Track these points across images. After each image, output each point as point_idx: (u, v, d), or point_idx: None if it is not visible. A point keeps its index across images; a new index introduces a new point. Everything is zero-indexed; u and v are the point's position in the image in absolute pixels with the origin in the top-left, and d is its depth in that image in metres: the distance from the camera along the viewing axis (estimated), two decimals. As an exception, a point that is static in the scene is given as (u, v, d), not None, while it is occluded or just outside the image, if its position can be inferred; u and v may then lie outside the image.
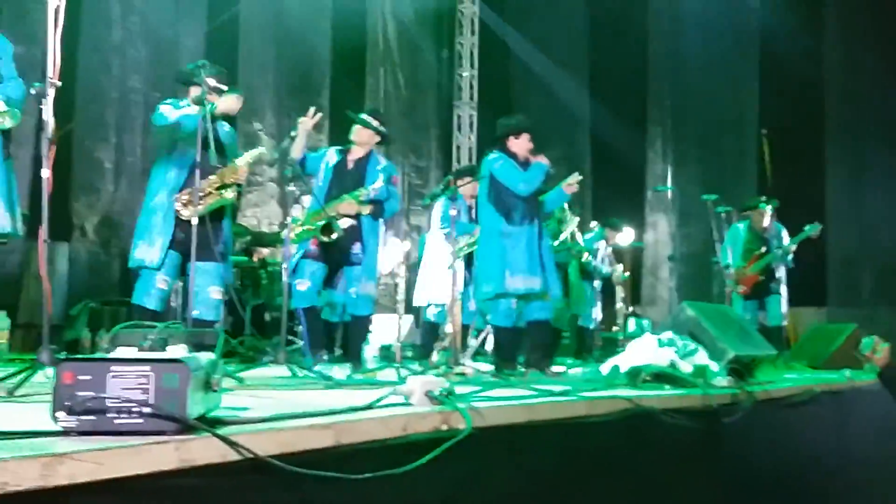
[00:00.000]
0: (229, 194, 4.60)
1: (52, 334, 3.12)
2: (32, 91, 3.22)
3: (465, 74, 12.58)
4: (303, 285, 4.93)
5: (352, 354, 4.92)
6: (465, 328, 5.52)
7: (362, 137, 5.16)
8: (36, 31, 3.43)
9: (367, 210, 4.97)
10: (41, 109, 3.09)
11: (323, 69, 10.23)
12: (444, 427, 2.39)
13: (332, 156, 5.19)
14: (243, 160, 4.71)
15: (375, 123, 5.16)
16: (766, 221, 7.50)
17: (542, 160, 5.28)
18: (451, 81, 12.57)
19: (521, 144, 5.34)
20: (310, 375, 3.96)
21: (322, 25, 10.27)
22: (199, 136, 4.05)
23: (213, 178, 4.54)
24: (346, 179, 5.06)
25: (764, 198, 7.65)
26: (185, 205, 4.45)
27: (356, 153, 5.18)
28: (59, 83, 3.10)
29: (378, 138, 5.21)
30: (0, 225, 3.31)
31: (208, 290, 4.52)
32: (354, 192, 4.95)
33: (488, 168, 5.30)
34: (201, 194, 4.36)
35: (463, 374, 4.35)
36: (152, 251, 4.32)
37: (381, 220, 5.13)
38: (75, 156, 7.78)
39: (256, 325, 6.95)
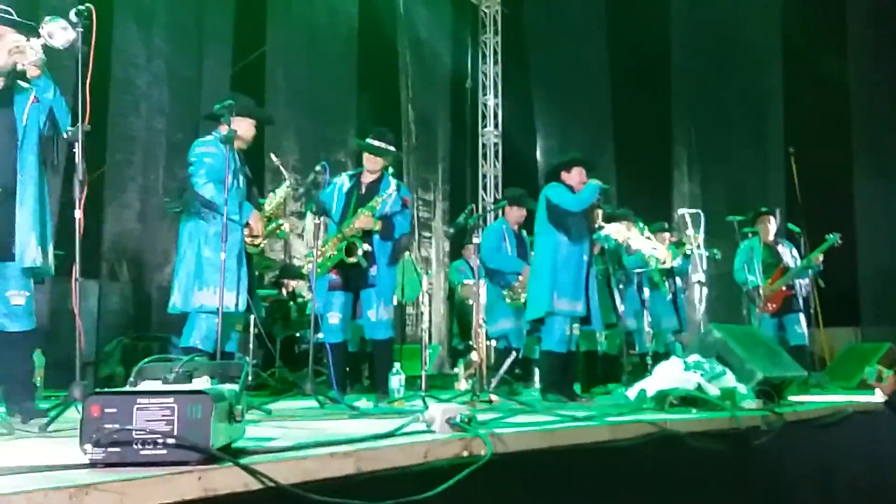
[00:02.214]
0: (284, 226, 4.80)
1: (87, 370, 3.19)
2: (65, 136, 3.33)
3: (489, 103, 12.69)
4: (334, 318, 4.96)
5: (378, 383, 4.94)
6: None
7: (371, 161, 5.24)
8: (67, 78, 3.53)
9: (378, 226, 5.02)
10: (73, 153, 3.19)
11: (350, 103, 10.41)
12: (465, 453, 2.41)
13: (344, 181, 5.26)
14: (272, 203, 4.77)
15: (379, 145, 5.21)
16: (773, 231, 7.36)
17: (594, 180, 5.44)
18: (476, 110, 12.68)
19: (573, 177, 5.53)
20: (336, 406, 4.01)
21: (349, 63, 10.46)
22: (228, 174, 4.11)
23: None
24: (360, 203, 5.13)
25: (764, 208, 7.56)
26: (258, 237, 4.56)
27: (368, 177, 5.24)
28: (90, 128, 3.20)
29: (386, 161, 5.26)
30: (31, 258, 3.36)
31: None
32: (369, 203, 5.02)
33: (543, 196, 5.47)
34: (256, 234, 4.51)
35: (489, 402, 4.36)
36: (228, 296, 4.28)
37: (391, 243, 5.10)
38: (106, 196, 7.96)
39: (286, 357, 7.01)
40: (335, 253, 4.93)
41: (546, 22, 12.34)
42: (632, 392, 4.17)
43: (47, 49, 3.31)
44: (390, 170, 5.33)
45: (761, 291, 7.17)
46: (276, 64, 9.60)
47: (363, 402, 4.51)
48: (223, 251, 4.04)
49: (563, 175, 5.57)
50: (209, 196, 4.39)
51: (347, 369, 6.95)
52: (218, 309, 4.01)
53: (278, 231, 4.76)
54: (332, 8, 10.28)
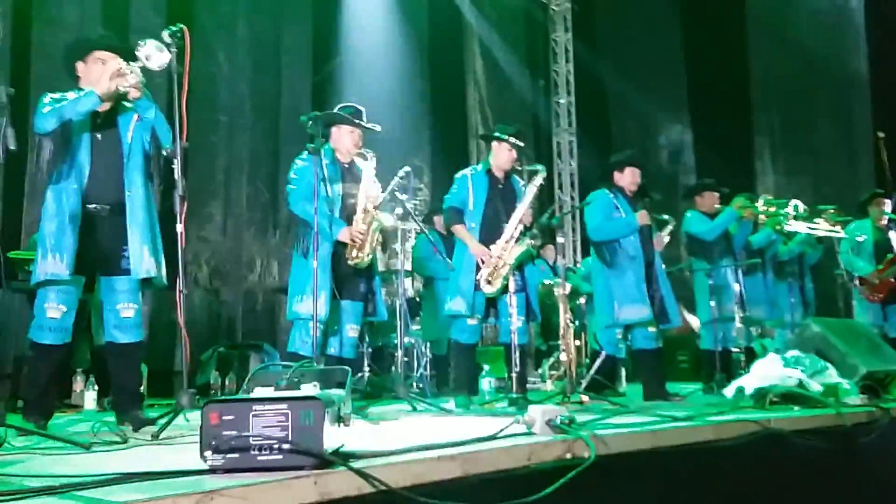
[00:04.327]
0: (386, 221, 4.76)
1: (183, 379, 3.29)
2: (164, 153, 3.47)
3: (562, 101, 12.60)
4: (473, 320, 4.89)
5: (467, 385, 4.93)
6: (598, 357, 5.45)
7: (502, 155, 5.10)
8: (159, 96, 3.66)
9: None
10: (172, 169, 3.31)
11: (422, 107, 10.48)
12: (568, 455, 2.39)
13: (478, 178, 5.12)
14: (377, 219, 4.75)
15: (517, 143, 5.11)
16: (887, 214, 6.95)
17: (642, 217, 5.38)
18: (549, 110, 12.61)
19: (626, 178, 5.53)
20: (430, 408, 4.04)
21: (420, 67, 10.53)
22: (316, 184, 4.17)
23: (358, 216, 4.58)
24: (503, 197, 5.04)
25: (879, 189, 7.20)
26: (359, 250, 4.51)
27: (499, 172, 5.14)
28: (188, 144, 3.32)
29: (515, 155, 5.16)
30: (146, 269, 3.50)
31: (346, 328, 4.58)
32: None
33: (588, 206, 5.51)
34: (361, 237, 4.48)
35: (580, 403, 4.33)
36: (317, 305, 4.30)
37: None
38: (190, 209, 8.20)
39: (374, 361, 7.09)
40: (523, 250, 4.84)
41: (618, 17, 12.18)
42: (729, 390, 4.08)
43: (143, 70, 3.44)
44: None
45: (867, 278, 6.84)
46: (351, 72, 9.74)
47: (451, 405, 4.53)
48: (315, 260, 4.12)
49: (616, 175, 5.55)
50: (298, 213, 4.49)
51: (430, 372, 7.04)
52: (313, 316, 4.08)
53: (378, 240, 4.69)
54: (403, 13, 10.38)
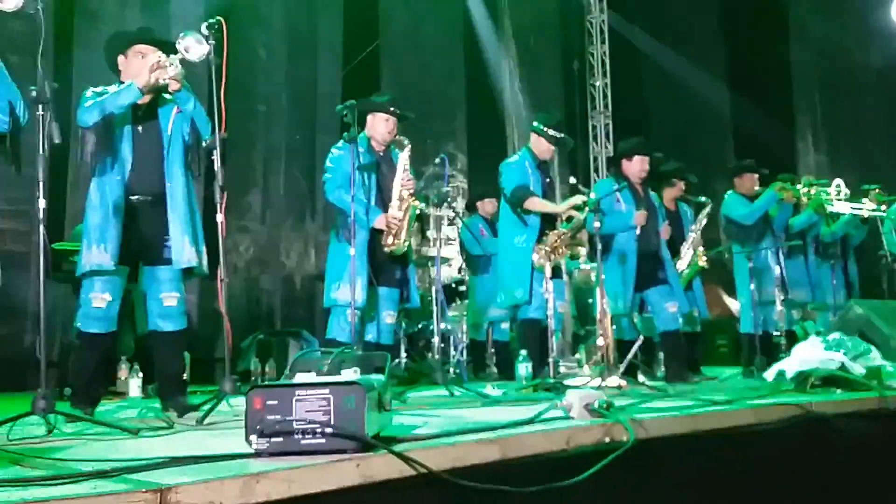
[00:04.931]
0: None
1: (224, 365, 3.36)
2: (204, 144, 3.52)
3: (597, 84, 12.49)
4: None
5: (502, 369, 4.99)
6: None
7: (541, 146, 5.30)
8: (198, 87, 3.72)
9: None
10: (212, 161, 3.37)
11: (458, 94, 10.47)
12: (607, 439, 2.40)
13: (527, 167, 5.28)
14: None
15: (551, 133, 5.27)
16: None
17: (637, 218, 5.42)
18: (585, 92, 12.50)
19: (634, 167, 5.54)
20: (468, 393, 4.07)
21: (455, 54, 10.52)
22: (353, 172, 4.22)
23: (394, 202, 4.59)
24: (545, 184, 5.31)
25: None
26: (395, 237, 4.53)
27: (542, 160, 5.36)
28: (227, 135, 3.37)
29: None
30: (187, 259, 3.57)
31: (383, 314, 4.62)
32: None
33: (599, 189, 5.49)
34: (397, 224, 4.51)
35: (618, 387, 4.32)
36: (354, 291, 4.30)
37: None
38: (227, 198, 8.31)
39: (412, 347, 7.14)
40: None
41: (654, -3, 12.03)
42: (769, 374, 4.04)
43: (182, 61, 3.49)
44: None
45: None
46: (386, 61, 9.75)
47: (489, 390, 4.55)
48: (352, 247, 4.16)
49: (624, 163, 5.58)
50: (335, 201, 4.53)
51: (466, 358, 7.08)
52: (350, 302, 4.13)
53: (414, 227, 4.73)
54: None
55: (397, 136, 4.71)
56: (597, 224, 4.73)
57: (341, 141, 4.52)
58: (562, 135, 5.28)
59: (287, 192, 8.64)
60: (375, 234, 4.55)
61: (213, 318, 6.49)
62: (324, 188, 4.65)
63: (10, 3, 2.87)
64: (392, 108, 4.68)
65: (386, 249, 4.54)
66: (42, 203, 2.85)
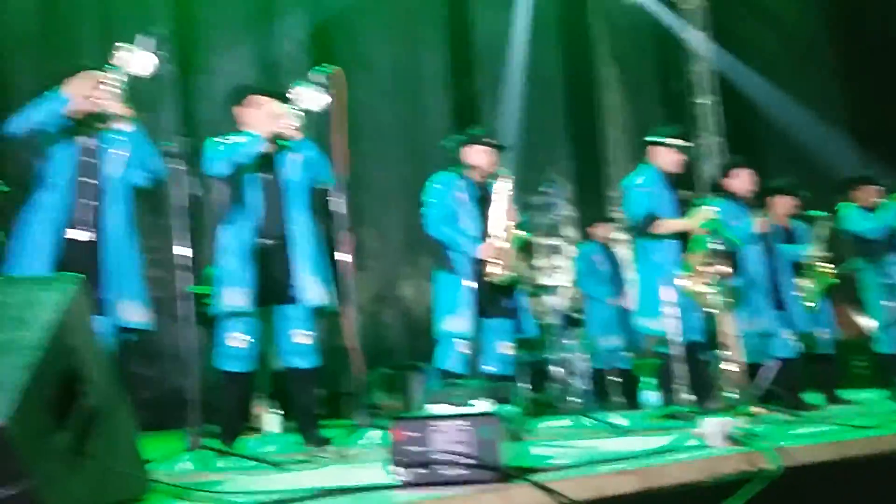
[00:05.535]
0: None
1: (353, 399, 3.46)
2: (325, 187, 3.68)
3: (702, 102, 12.22)
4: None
5: (630, 399, 4.89)
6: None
7: (668, 158, 4.98)
8: (314, 131, 3.89)
9: None
10: (327, 201, 3.52)
11: (556, 123, 10.49)
12: (749, 468, 2.33)
13: (655, 188, 5.00)
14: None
15: (674, 142, 5.03)
16: None
17: (761, 225, 5.19)
18: (685, 112, 12.26)
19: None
20: (597, 424, 4.02)
21: (554, 81, 10.56)
22: (455, 205, 4.29)
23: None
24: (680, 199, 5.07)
25: None
26: (499, 267, 4.52)
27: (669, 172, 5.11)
28: (348, 175, 3.51)
29: None
30: (318, 299, 3.73)
31: (498, 345, 4.61)
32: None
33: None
34: (500, 254, 4.50)
35: (753, 414, 4.16)
36: (464, 322, 4.43)
37: None
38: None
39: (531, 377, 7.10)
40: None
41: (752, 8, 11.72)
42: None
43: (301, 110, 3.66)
44: None
45: None
46: (487, 93, 9.88)
47: (617, 419, 4.48)
48: (460, 278, 4.23)
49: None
50: (436, 234, 4.61)
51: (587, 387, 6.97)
52: (460, 333, 4.18)
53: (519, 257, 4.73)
54: (533, 30, 10.37)
55: (499, 168, 4.74)
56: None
57: (439, 174, 4.62)
58: (687, 142, 5.08)
59: (401, 228, 8.83)
60: (480, 265, 4.57)
61: (336, 354, 6.67)
62: (423, 222, 4.73)
63: (147, 68, 3.13)
64: (488, 139, 4.74)
65: (491, 280, 4.57)
66: (188, 251, 3.04)
